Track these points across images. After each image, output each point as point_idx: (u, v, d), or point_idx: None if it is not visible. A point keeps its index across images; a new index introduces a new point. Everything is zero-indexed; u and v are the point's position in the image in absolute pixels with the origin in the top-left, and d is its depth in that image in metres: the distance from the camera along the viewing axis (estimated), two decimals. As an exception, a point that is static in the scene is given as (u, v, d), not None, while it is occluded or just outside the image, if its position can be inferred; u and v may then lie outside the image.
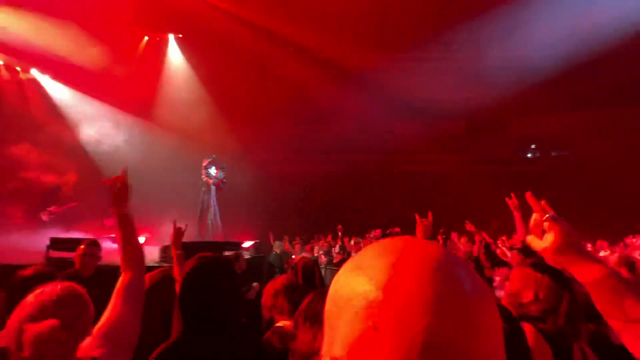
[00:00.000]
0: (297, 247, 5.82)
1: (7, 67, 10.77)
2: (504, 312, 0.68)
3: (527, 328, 0.86)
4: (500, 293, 1.96)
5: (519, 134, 18.59)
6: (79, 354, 0.94)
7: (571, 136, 17.42)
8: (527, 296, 1.00)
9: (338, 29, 13.69)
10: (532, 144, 18.69)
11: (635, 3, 10.94)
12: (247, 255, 3.95)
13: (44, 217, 7.97)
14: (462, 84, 15.86)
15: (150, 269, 2.77)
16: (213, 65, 12.17)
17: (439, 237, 7.71)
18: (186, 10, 10.87)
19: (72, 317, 0.88)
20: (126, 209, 1.32)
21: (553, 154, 18.35)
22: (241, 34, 11.40)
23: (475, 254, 3.37)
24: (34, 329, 0.82)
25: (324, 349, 0.34)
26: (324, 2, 12.23)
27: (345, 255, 5.21)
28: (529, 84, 14.71)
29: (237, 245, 4.09)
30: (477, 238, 4.32)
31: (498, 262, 2.64)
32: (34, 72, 11.04)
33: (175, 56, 11.81)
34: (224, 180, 7.38)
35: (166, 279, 1.44)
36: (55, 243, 4.78)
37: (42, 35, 9.37)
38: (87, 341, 0.96)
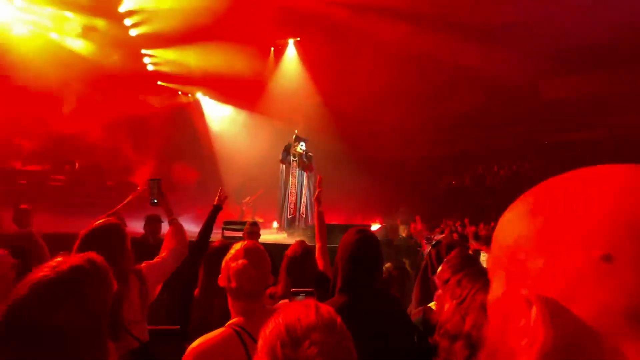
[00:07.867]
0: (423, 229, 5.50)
1: (174, 92, 13.32)
2: None
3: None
4: None
5: None
6: None
7: None
8: None
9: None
10: None
11: None
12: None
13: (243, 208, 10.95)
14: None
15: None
16: (325, 59, 12.53)
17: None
18: (304, 14, 11.44)
19: (257, 261, 1.27)
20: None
21: None
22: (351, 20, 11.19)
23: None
24: (233, 266, 1.25)
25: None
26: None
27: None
28: None
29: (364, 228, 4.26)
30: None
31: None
32: (198, 95, 13.61)
33: (291, 56, 12.90)
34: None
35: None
36: (228, 224, 7.38)
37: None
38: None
